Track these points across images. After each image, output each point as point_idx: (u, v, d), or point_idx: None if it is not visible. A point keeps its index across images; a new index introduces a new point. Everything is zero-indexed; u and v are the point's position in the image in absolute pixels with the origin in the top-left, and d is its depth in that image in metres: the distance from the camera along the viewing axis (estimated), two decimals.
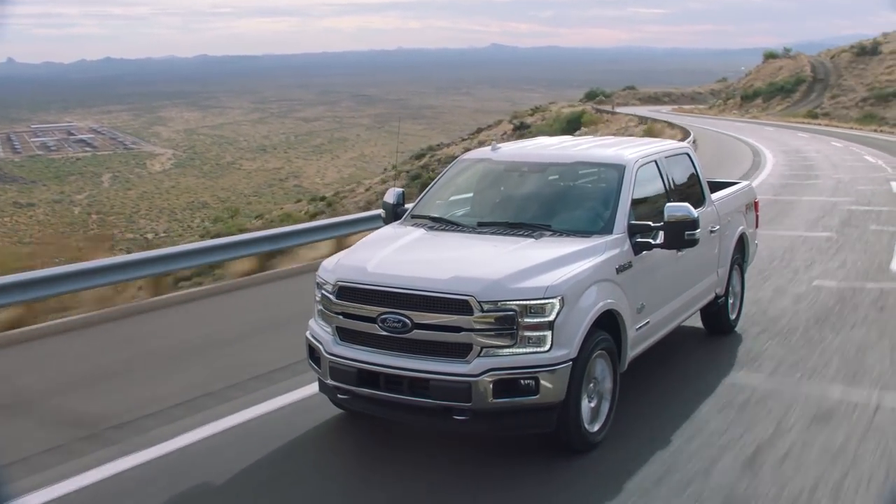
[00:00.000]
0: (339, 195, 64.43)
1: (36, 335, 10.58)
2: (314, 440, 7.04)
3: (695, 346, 9.63)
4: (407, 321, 6.15)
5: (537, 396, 6.01)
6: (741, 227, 10.01)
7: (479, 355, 6.01)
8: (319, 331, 6.81)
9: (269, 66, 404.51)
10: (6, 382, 8.90)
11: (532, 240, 6.92)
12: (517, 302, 6.01)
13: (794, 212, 20.38)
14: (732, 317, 9.93)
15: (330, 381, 6.60)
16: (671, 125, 56.37)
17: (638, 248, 7.15)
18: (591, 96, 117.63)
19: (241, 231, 24.44)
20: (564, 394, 6.12)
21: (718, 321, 9.71)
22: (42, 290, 10.73)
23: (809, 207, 21.09)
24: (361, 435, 7.11)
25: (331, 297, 6.61)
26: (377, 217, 12.02)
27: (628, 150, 8.22)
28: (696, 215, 7.12)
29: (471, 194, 8.44)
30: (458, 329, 6.04)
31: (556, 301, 6.07)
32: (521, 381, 5.97)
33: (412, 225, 7.72)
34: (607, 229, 7.09)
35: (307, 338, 6.98)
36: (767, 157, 37.56)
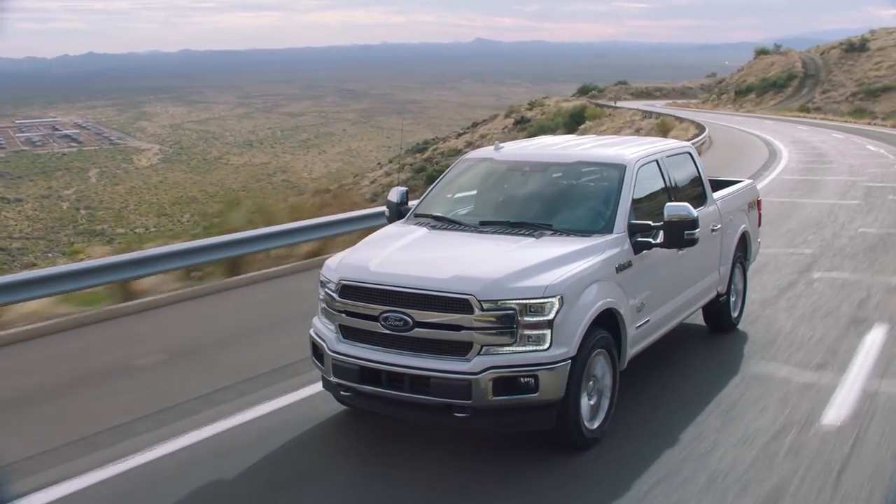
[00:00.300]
0: (344, 187, 64.40)
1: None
2: (318, 437, 7.14)
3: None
4: (408, 319, 6.24)
5: (537, 394, 6.09)
6: (743, 226, 10.06)
7: (479, 353, 6.09)
8: (323, 329, 6.90)
9: (252, 61, 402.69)
10: None
11: (533, 239, 6.99)
12: (517, 301, 6.10)
13: (823, 187, 24.66)
14: (734, 315, 9.98)
15: (333, 379, 6.70)
16: (679, 119, 57.75)
17: (638, 248, 7.23)
18: (584, 91, 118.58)
19: (249, 223, 24.42)
20: (563, 391, 6.20)
21: (720, 319, 9.79)
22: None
23: (834, 184, 25.44)
24: (365, 431, 7.20)
25: (334, 295, 6.70)
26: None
27: (629, 149, 8.30)
28: (695, 215, 7.21)
29: (473, 193, 8.51)
30: (458, 327, 6.13)
31: (555, 300, 6.16)
32: (521, 379, 6.06)
33: (415, 224, 7.80)
34: (608, 229, 7.16)
35: (311, 335, 7.07)
36: (780, 146, 40.74)
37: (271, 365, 8.82)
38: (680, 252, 7.72)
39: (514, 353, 6.11)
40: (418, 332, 6.23)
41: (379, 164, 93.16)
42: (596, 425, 6.67)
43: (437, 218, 7.81)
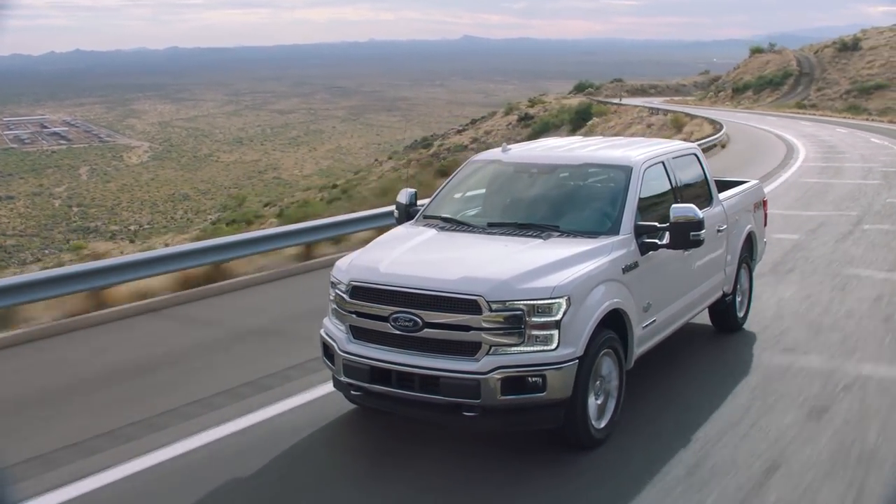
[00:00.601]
0: (351, 182, 64.52)
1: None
2: (325, 437, 7.20)
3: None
4: (418, 320, 6.30)
5: (544, 393, 6.15)
6: (749, 226, 10.11)
7: (487, 353, 6.16)
8: (333, 329, 6.96)
9: (241, 58, 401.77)
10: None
11: (540, 240, 7.04)
12: (525, 302, 6.16)
13: (845, 172, 28.34)
14: (740, 314, 10.01)
15: (344, 378, 6.76)
16: (690, 116, 58.57)
17: (644, 249, 7.28)
18: (580, 88, 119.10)
19: (258, 217, 24.75)
20: (571, 391, 6.26)
21: (726, 319, 9.82)
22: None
23: (853, 169, 29.14)
24: (373, 430, 7.26)
25: (344, 296, 6.76)
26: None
27: (636, 151, 8.33)
28: (700, 216, 7.26)
29: (482, 195, 8.58)
30: (467, 328, 6.19)
31: (562, 301, 6.21)
32: (529, 379, 6.12)
33: (424, 225, 7.86)
34: (614, 230, 7.22)
35: (321, 335, 7.14)
36: (793, 140, 42.86)
37: None
38: (686, 253, 7.81)
39: (523, 353, 6.17)
40: (428, 332, 6.30)
41: (376, 160, 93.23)
42: (603, 425, 6.71)
43: (445, 219, 7.88)
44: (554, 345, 6.19)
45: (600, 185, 8.04)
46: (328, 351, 6.97)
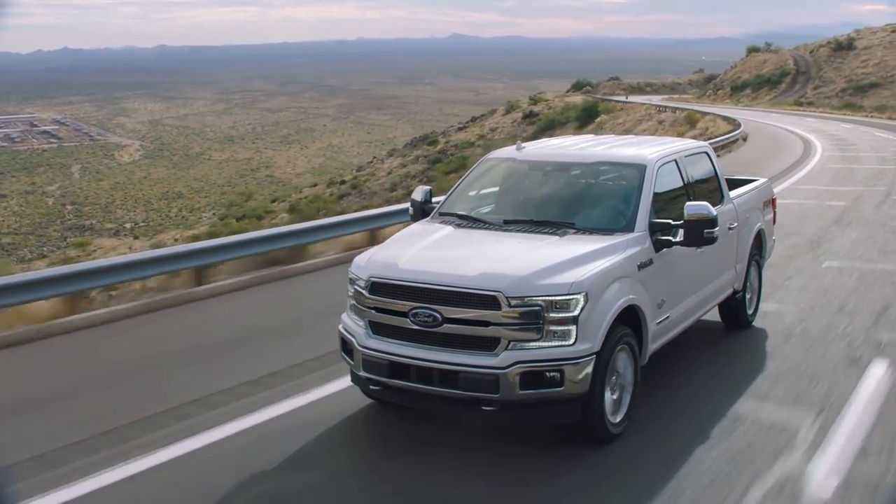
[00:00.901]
0: (359, 178, 64.75)
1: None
2: (344, 430, 7.26)
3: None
4: (437, 316, 6.34)
5: (562, 388, 6.19)
6: (759, 224, 10.12)
7: (506, 348, 6.19)
8: (352, 324, 6.98)
9: (229, 57, 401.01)
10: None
11: (556, 237, 7.08)
12: (543, 297, 6.20)
13: (862, 160, 31.79)
14: (749, 311, 10.04)
15: (363, 373, 6.78)
16: (702, 113, 60.13)
17: (658, 246, 7.31)
18: (577, 87, 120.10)
19: (268, 212, 25.01)
20: (588, 386, 6.29)
21: (736, 316, 9.84)
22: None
23: (869, 157, 32.72)
24: (389, 426, 7.27)
25: (363, 292, 6.79)
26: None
27: (649, 149, 8.37)
28: (714, 214, 7.32)
29: (496, 192, 8.63)
30: (486, 323, 6.24)
31: (580, 297, 6.25)
32: (547, 374, 6.16)
33: (440, 222, 7.87)
34: (629, 227, 7.25)
35: (340, 331, 7.14)
36: (805, 134, 44.77)
37: None
38: (698, 250, 7.81)
39: (541, 349, 6.21)
40: (447, 327, 6.34)
41: (375, 157, 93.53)
42: (618, 419, 6.75)
43: (461, 216, 7.91)
44: (572, 340, 6.23)
45: (615, 183, 8.08)
46: (346, 346, 7.01)
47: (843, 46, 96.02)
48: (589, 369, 6.27)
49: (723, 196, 9.18)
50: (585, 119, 77.44)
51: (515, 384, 6.13)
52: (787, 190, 21.65)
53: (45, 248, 77.62)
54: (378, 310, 6.70)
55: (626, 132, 56.65)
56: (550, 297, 6.21)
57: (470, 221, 7.78)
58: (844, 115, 69.11)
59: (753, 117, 58.94)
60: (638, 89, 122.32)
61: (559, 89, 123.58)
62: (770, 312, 10.26)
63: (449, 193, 8.51)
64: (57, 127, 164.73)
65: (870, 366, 8.32)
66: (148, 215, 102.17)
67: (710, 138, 35.26)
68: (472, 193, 8.50)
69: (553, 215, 7.62)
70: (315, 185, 75.15)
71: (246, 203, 63.33)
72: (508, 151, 8.97)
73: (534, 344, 6.21)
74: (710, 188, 8.96)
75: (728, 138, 37.38)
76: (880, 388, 7.71)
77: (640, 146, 8.78)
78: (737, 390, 7.77)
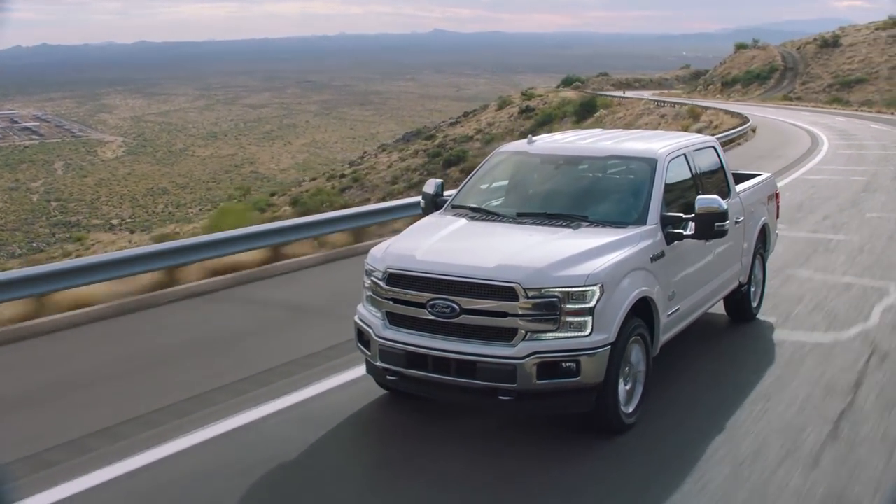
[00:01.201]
0: (359, 172, 64.91)
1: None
2: (359, 420, 7.36)
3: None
4: (455, 307, 6.44)
5: (578, 378, 6.30)
6: (763, 218, 10.28)
7: (523, 339, 6.30)
8: (368, 315, 7.06)
9: (211, 52, 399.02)
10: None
11: (570, 230, 7.18)
12: (560, 289, 6.30)
13: (868, 146, 35.63)
14: (754, 304, 10.21)
15: (380, 364, 6.87)
16: (704, 107, 61.76)
17: (670, 239, 7.43)
18: (567, 82, 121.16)
19: (270, 206, 25.05)
20: (603, 376, 6.41)
21: (741, 309, 9.99)
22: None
23: (872, 145, 36.58)
24: (404, 416, 7.37)
25: (381, 283, 6.87)
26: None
27: (659, 143, 8.45)
28: (725, 207, 7.44)
29: (508, 185, 8.70)
30: (504, 314, 6.34)
31: (596, 288, 6.36)
32: (563, 364, 6.28)
33: (453, 215, 7.99)
34: (641, 220, 7.36)
35: (356, 322, 7.23)
36: (807, 126, 47.59)
37: None
38: (707, 243, 8.00)
39: (557, 339, 6.32)
40: (465, 318, 6.45)
41: (365, 152, 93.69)
42: (631, 409, 6.88)
43: (474, 209, 8.02)
44: (588, 331, 6.34)
45: (626, 177, 8.20)
46: (363, 337, 7.10)
47: (829, 43, 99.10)
48: (604, 360, 6.40)
49: (730, 190, 9.32)
50: (583, 114, 78.66)
51: (532, 374, 6.25)
52: (812, 170, 26.55)
53: (34, 244, 77.26)
54: (395, 301, 6.80)
55: (628, 126, 57.36)
56: (567, 289, 6.32)
57: (483, 214, 7.91)
58: (836, 108, 71.27)
59: (750, 111, 60.18)
60: (626, 85, 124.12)
61: (541, 84, 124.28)
62: (843, 240, 14.56)
63: (461, 186, 8.65)
64: (38, 123, 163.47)
65: None
66: (134, 211, 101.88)
67: (723, 131, 37.30)
68: (483, 186, 8.60)
69: (566, 208, 7.71)
70: (314, 179, 75.38)
71: (244, 197, 63.24)
72: (520, 145, 9.07)
73: (550, 335, 6.33)
74: (718, 182, 9.11)
75: (739, 131, 39.16)
76: None
77: (649, 140, 8.89)
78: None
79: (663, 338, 7.43)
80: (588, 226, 7.26)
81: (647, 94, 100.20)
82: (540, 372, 6.26)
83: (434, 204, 8.43)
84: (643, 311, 6.94)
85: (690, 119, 52.53)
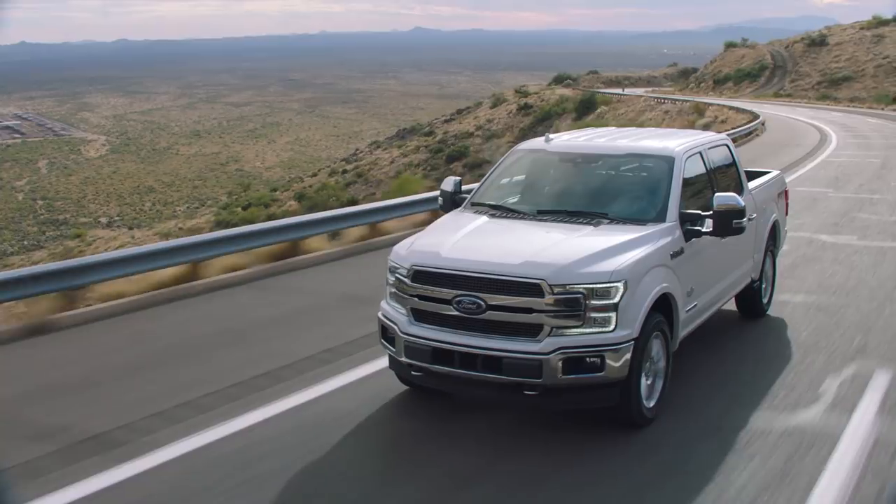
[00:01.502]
0: (361, 167, 65.05)
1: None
2: (379, 417, 7.44)
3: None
4: (481, 303, 6.53)
5: (603, 373, 6.42)
6: (774, 215, 10.40)
7: (549, 335, 6.41)
8: (392, 312, 7.14)
9: (192, 51, 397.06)
10: None
11: (592, 227, 7.30)
12: (585, 285, 6.41)
13: (872, 137, 39.68)
14: (765, 301, 10.33)
15: (404, 359, 6.96)
16: (707, 104, 63.37)
17: (688, 236, 7.55)
18: (559, 80, 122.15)
19: (274, 201, 25.21)
20: (627, 371, 6.52)
21: (752, 305, 10.11)
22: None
23: (875, 136, 40.23)
24: (422, 414, 7.45)
25: (406, 280, 6.95)
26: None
27: (675, 141, 8.55)
28: (743, 204, 7.55)
29: (527, 183, 8.82)
30: (529, 310, 6.44)
31: (620, 285, 6.47)
32: (588, 359, 6.38)
33: (473, 212, 8.07)
34: (660, 217, 7.48)
35: (379, 318, 7.31)
36: (811, 121, 50.07)
37: None
38: (722, 241, 8.03)
39: (582, 335, 6.42)
40: (490, 314, 6.54)
41: (357, 149, 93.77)
42: (652, 404, 7.01)
43: (494, 206, 8.11)
44: (612, 327, 6.45)
45: (645, 175, 8.30)
46: (387, 333, 7.16)
47: (817, 42, 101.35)
48: (628, 355, 6.51)
49: (742, 187, 9.45)
50: (583, 111, 79.43)
51: (558, 369, 6.37)
52: (832, 154, 30.57)
53: (25, 242, 76.90)
54: (421, 297, 6.89)
55: (631, 122, 57.74)
56: (592, 285, 6.43)
57: (503, 211, 8.01)
58: (828, 105, 73.59)
59: (748, 107, 61.00)
60: (616, 83, 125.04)
61: (525, 82, 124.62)
62: (880, 199, 19.56)
63: (480, 184, 8.73)
64: (19, 122, 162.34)
65: None
66: (122, 209, 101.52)
67: (736, 127, 39.34)
68: (503, 184, 8.72)
69: (586, 205, 7.83)
70: (314, 175, 75.34)
71: (245, 193, 63.19)
72: (537, 143, 9.16)
73: (575, 330, 6.44)
74: (731, 180, 9.24)
75: (753, 125, 41.31)
76: None
77: (665, 138, 9.04)
78: None
79: (682, 333, 7.58)
80: (608, 223, 7.39)
81: (639, 90, 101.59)
82: (565, 367, 6.38)
83: (453, 201, 8.56)
84: (663, 306, 7.08)
85: (696, 115, 53.93)
